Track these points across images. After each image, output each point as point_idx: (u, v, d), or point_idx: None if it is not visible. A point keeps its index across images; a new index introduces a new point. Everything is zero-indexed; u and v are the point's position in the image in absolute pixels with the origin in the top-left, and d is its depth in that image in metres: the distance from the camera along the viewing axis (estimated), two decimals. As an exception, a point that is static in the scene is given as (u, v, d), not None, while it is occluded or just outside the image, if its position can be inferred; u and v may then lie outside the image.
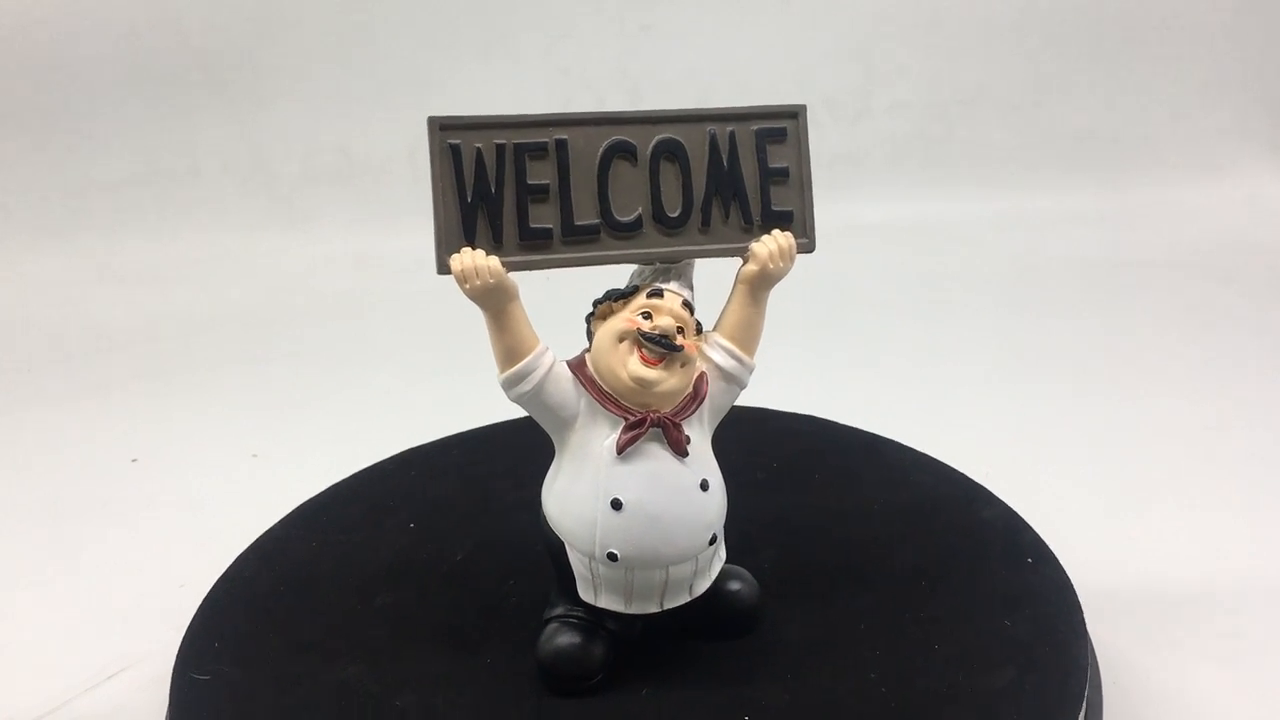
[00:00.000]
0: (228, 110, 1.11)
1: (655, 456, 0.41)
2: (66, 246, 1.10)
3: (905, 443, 0.62)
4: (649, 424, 0.41)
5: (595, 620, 0.44)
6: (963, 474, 0.58)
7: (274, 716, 0.43)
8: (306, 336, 0.96)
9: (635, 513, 0.41)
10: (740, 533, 0.45)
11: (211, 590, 0.52)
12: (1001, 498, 0.56)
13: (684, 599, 0.43)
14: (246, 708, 0.43)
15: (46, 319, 1.01)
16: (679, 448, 0.41)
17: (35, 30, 1.08)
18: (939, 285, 1.00)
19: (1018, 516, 0.54)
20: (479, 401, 0.76)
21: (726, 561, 0.46)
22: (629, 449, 0.41)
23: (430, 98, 1.10)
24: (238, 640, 0.47)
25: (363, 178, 1.13)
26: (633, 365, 0.41)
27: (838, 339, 0.88)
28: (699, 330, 0.43)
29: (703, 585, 0.44)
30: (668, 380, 0.41)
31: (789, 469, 0.60)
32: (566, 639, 0.43)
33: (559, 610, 0.44)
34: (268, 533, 0.56)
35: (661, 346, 0.40)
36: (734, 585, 0.46)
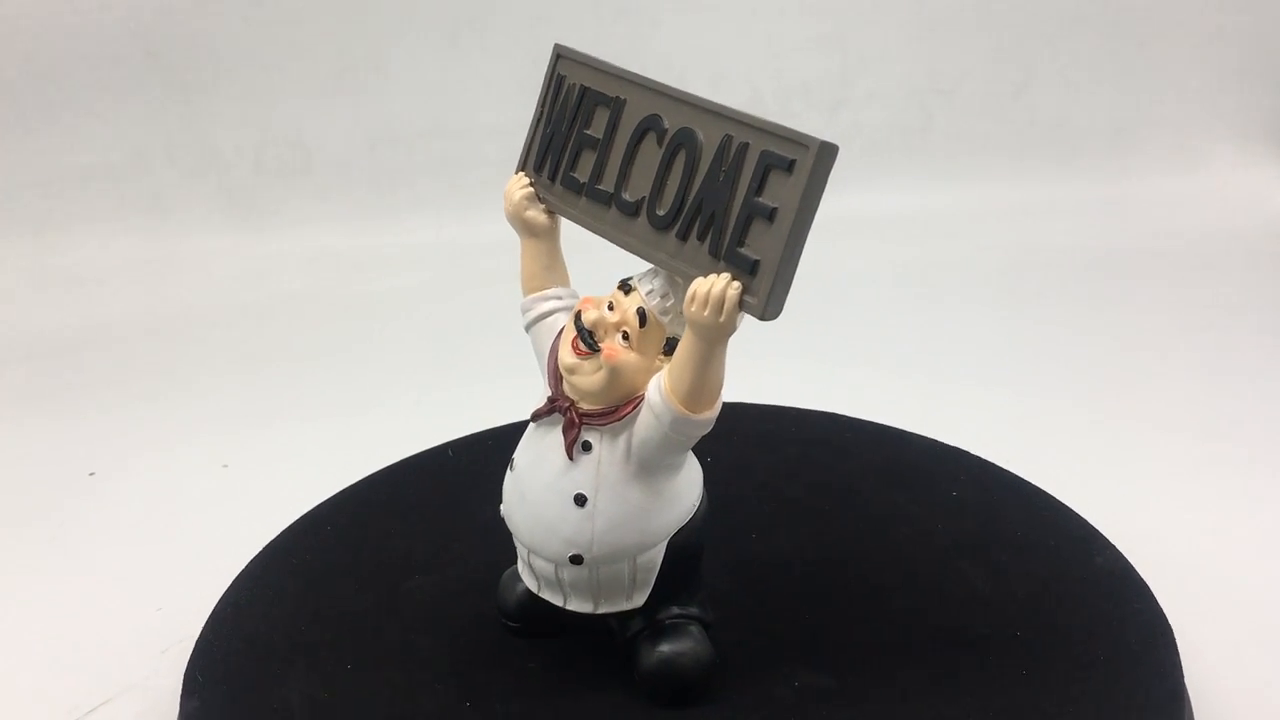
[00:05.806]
0: (174, 98, 1.05)
1: (549, 444, 0.40)
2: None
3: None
4: (553, 408, 0.40)
5: None
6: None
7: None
8: (266, 339, 0.92)
9: (515, 481, 0.42)
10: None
11: (202, 634, 0.48)
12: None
13: (557, 602, 0.42)
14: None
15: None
16: (567, 447, 0.39)
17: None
18: (919, 277, 0.99)
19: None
20: (456, 405, 0.73)
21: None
22: (539, 421, 0.41)
23: (393, 85, 1.05)
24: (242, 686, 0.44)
25: (321, 172, 1.08)
26: (564, 344, 0.39)
27: (816, 330, 0.86)
28: (671, 350, 0.38)
29: (575, 605, 0.41)
30: (583, 377, 0.38)
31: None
32: (517, 581, 0.45)
33: None
34: (254, 560, 0.53)
35: (581, 338, 0.38)
36: (666, 646, 0.41)
